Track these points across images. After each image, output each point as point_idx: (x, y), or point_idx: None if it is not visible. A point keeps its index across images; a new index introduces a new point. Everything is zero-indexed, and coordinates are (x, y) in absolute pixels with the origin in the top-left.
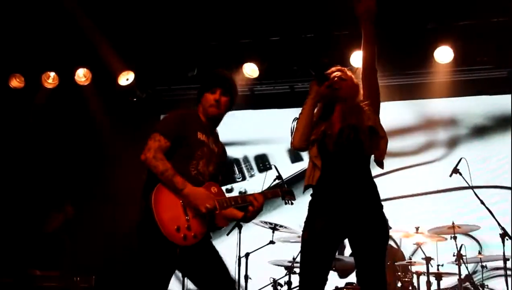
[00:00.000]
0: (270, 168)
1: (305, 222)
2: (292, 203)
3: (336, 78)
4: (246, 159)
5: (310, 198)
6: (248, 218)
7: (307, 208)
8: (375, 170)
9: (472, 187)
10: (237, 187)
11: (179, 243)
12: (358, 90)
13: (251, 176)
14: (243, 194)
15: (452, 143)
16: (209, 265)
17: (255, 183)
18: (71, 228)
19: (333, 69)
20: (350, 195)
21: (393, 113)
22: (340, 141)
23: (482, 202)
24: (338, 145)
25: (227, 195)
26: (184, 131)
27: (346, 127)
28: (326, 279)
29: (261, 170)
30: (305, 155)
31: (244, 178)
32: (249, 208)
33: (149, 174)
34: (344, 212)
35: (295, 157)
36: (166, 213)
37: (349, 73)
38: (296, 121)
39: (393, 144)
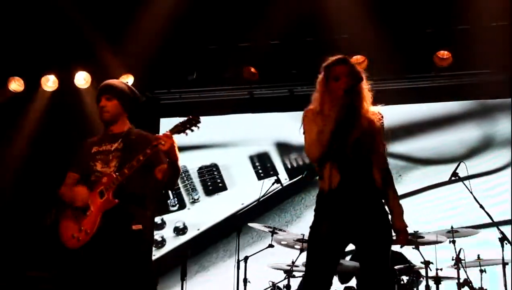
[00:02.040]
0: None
1: (311, 227)
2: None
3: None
4: (187, 176)
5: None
6: (170, 158)
7: (313, 212)
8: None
9: (471, 191)
10: (172, 220)
11: (76, 246)
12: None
13: (194, 201)
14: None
15: None
16: (105, 257)
17: (201, 212)
18: None
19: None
20: (358, 200)
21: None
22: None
23: (481, 206)
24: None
25: None
26: (84, 157)
27: (362, 135)
28: (331, 283)
29: (209, 192)
30: (280, 169)
31: (182, 206)
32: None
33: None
34: (351, 217)
35: (264, 171)
36: (64, 229)
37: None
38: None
39: (425, 143)
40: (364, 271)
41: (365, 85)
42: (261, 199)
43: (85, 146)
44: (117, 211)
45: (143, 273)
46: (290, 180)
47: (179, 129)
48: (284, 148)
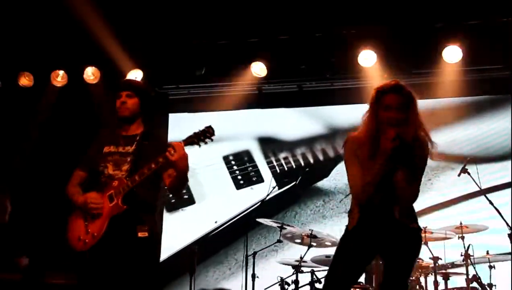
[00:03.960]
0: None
1: (343, 238)
2: (211, 140)
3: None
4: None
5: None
6: (178, 168)
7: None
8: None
9: (480, 187)
10: None
11: (82, 249)
12: (418, 118)
13: None
14: None
15: None
16: (111, 262)
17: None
18: None
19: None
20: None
21: None
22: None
23: (491, 202)
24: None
25: None
26: (94, 154)
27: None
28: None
29: (170, 208)
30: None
31: None
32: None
33: None
34: (378, 238)
35: (244, 177)
36: (71, 231)
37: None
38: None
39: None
40: (386, 279)
41: (418, 112)
42: (241, 214)
43: (96, 143)
44: (125, 217)
45: (149, 280)
46: (280, 188)
47: (192, 140)
48: (270, 146)
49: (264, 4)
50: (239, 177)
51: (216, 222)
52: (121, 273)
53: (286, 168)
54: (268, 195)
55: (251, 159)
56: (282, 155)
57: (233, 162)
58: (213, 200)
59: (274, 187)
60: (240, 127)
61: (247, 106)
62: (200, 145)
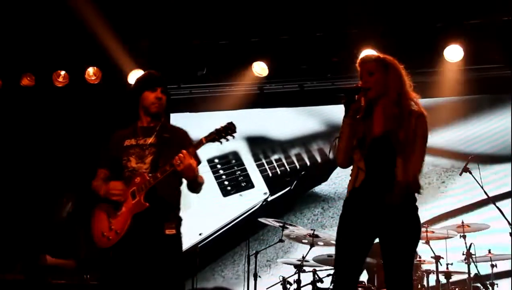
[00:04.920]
0: None
1: (338, 228)
2: (233, 137)
3: (361, 83)
4: None
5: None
6: (185, 178)
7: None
8: None
9: (482, 186)
10: None
11: (105, 245)
12: (397, 82)
13: None
14: None
15: None
16: (135, 260)
17: None
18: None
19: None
20: (380, 198)
21: None
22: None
23: (493, 201)
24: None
25: None
26: (113, 150)
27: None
28: (357, 281)
29: None
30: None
31: None
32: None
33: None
34: (378, 214)
35: (232, 182)
36: (96, 225)
37: (380, 57)
38: (337, 140)
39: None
40: (386, 268)
41: (400, 78)
42: (229, 225)
43: (115, 139)
44: (149, 214)
45: (177, 277)
46: (272, 194)
47: (213, 137)
48: (260, 146)
49: (265, 4)
50: (226, 182)
51: (200, 234)
52: (149, 271)
53: (279, 172)
54: (261, 203)
55: (239, 162)
56: (274, 157)
57: (219, 166)
58: (197, 209)
59: (266, 194)
60: (239, 127)
61: (248, 106)
62: (221, 142)
